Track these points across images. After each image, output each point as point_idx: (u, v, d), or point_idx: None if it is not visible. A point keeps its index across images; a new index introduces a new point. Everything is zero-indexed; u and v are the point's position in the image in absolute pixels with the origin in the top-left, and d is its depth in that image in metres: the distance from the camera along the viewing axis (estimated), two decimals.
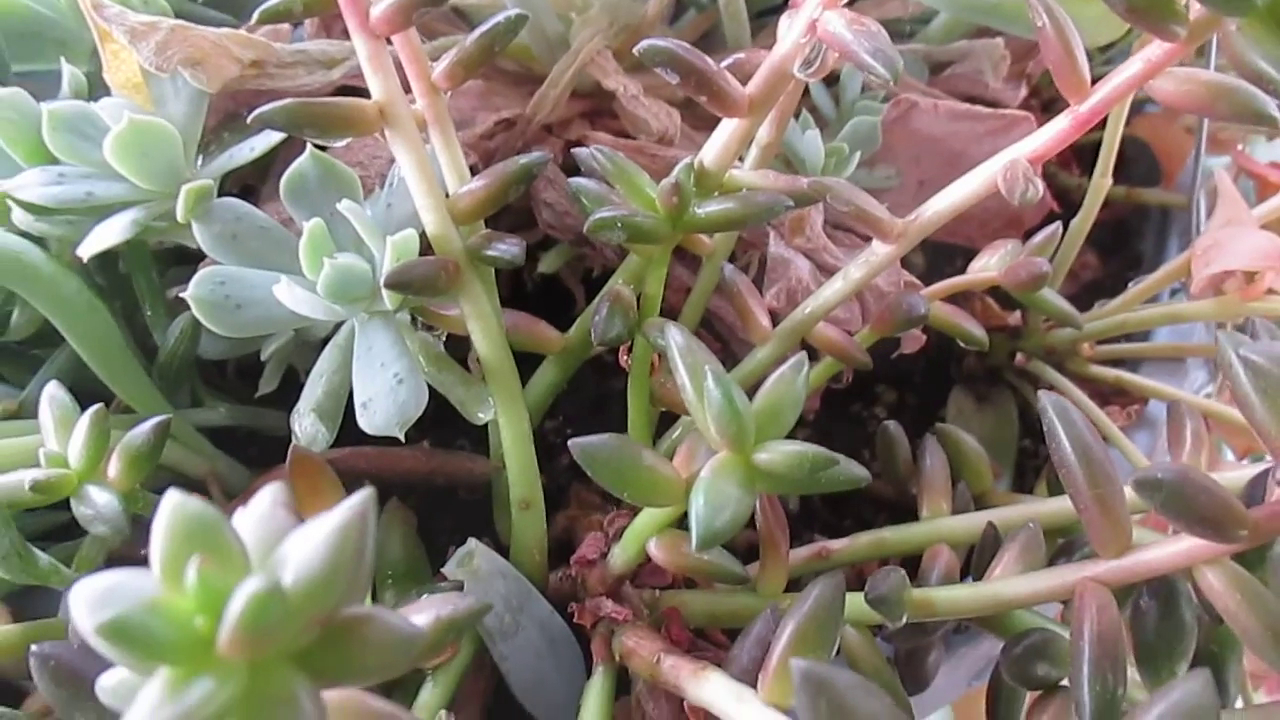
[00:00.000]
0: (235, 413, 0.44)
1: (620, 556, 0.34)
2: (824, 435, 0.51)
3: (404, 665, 0.21)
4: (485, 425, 0.40)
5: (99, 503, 0.30)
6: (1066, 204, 0.53)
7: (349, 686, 0.21)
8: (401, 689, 0.34)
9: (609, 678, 0.34)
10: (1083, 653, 0.27)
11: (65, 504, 0.38)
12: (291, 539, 0.20)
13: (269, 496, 0.22)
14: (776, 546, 0.35)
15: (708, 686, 0.29)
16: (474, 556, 0.36)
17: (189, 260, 0.48)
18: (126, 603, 0.19)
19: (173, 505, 0.20)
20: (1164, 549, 0.28)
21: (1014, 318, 0.48)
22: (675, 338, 0.31)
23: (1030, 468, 0.50)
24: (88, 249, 0.35)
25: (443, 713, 0.32)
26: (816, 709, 0.21)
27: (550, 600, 0.37)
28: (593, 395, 0.49)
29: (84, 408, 0.35)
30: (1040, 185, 0.31)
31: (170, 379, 0.40)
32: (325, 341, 0.43)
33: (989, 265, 0.40)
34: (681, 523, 0.33)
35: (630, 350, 0.38)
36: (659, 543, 0.33)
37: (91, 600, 0.20)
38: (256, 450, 0.47)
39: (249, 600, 0.18)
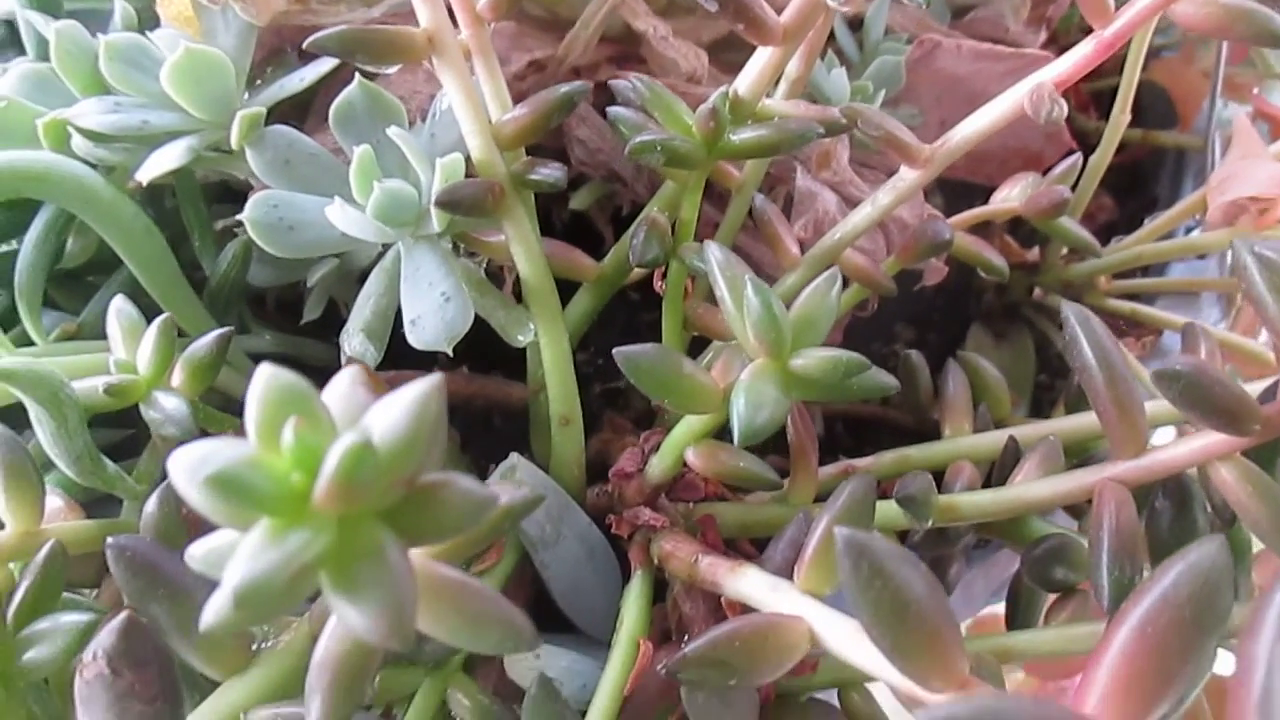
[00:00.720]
0: (279, 341, 0.46)
1: (658, 467, 0.36)
2: None
3: (477, 527, 0.23)
4: (518, 356, 0.42)
5: (168, 407, 0.32)
6: (1084, 147, 0.54)
7: (429, 546, 0.23)
8: None
9: (647, 581, 0.36)
10: (1102, 543, 0.29)
11: (116, 423, 0.40)
12: (375, 408, 0.21)
13: (348, 377, 0.23)
14: (806, 457, 0.36)
15: (745, 580, 0.31)
16: (516, 470, 0.38)
17: (231, 198, 0.50)
18: (227, 461, 0.20)
19: (266, 375, 0.22)
20: (1179, 448, 0.30)
21: (1032, 254, 0.50)
22: (714, 254, 0.33)
23: (1046, 401, 0.52)
24: (147, 172, 0.37)
25: None
26: (859, 571, 0.23)
27: (588, 514, 0.39)
28: (621, 329, 0.51)
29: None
30: (1064, 106, 0.32)
31: (221, 304, 0.41)
32: (367, 271, 0.45)
33: (1011, 196, 0.42)
34: (717, 434, 0.35)
35: (665, 275, 0.40)
36: (696, 451, 0.34)
37: (193, 462, 0.21)
38: None
39: (345, 454, 0.20)
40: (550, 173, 0.36)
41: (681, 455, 0.35)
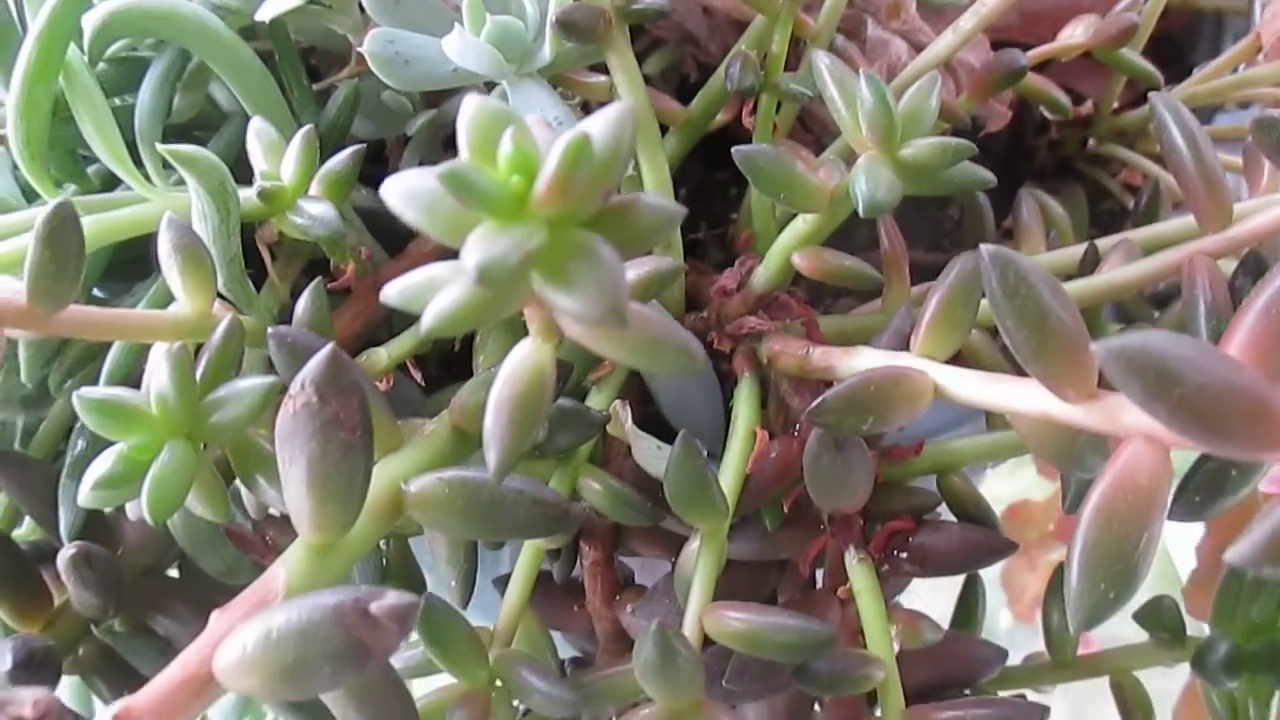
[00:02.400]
0: (373, 197, 0.48)
1: (764, 275, 0.38)
2: (907, 225, 0.55)
3: (665, 238, 0.25)
4: None
5: (315, 211, 0.34)
6: None
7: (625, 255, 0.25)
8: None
9: (755, 383, 0.38)
10: (1198, 301, 0.31)
11: None
12: (582, 123, 0.23)
13: (534, 118, 0.25)
14: (899, 265, 0.39)
15: (861, 358, 0.33)
16: None
17: (311, 74, 0.52)
18: (453, 164, 0.22)
19: (474, 101, 0.24)
20: (1264, 215, 0.32)
21: (1085, 108, 0.52)
22: (822, 60, 0.35)
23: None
24: (267, 12, 0.39)
25: (617, 402, 0.36)
26: (1005, 280, 0.25)
27: None
28: (696, 186, 0.53)
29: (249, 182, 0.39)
30: None
31: (329, 150, 0.43)
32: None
33: (1075, 34, 0.44)
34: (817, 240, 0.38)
35: (754, 111, 0.42)
36: (803, 254, 0.37)
37: (409, 181, 0.24)
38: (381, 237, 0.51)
39: (568, 147, 0.22)
40: (653, 1, 0.38)
41: (787, 260, 0.37)
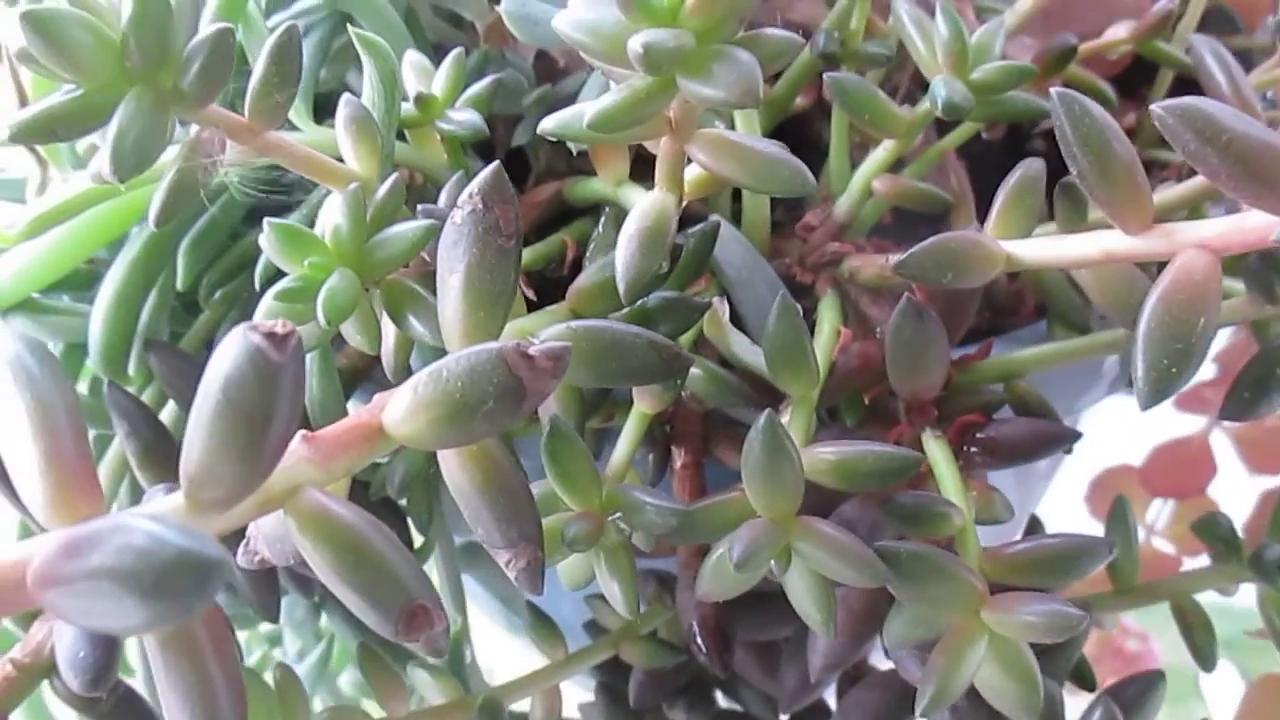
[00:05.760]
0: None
1: (845, 204, 0.43)
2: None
3: (786, 60, 0.30)
4: None
5: (461, 117, 0.39)
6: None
7: None
8: None
9: (836, 297, 0.42)
10: None
11: None
12: None
13: None
14: (965, 197, 0.43)
15: None
16: (720, 225, 0.45)
17: None
18: None
19: None
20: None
21: (1126, 120, 0.57)
22: (902, 4, 0.40)
23: None
24: None
25: (715, 299, 0.41)
26: (1071, 112, 0.29)
27: None
28: None
29: None
30: None
31: None
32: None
33: (1118, 32, 0.49)
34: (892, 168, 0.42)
35: None
36: (881, 179, 0.41)
37: (577, 10, 0.29)
38: None
39: None
40: None
41: (868, 186, 0.42)
